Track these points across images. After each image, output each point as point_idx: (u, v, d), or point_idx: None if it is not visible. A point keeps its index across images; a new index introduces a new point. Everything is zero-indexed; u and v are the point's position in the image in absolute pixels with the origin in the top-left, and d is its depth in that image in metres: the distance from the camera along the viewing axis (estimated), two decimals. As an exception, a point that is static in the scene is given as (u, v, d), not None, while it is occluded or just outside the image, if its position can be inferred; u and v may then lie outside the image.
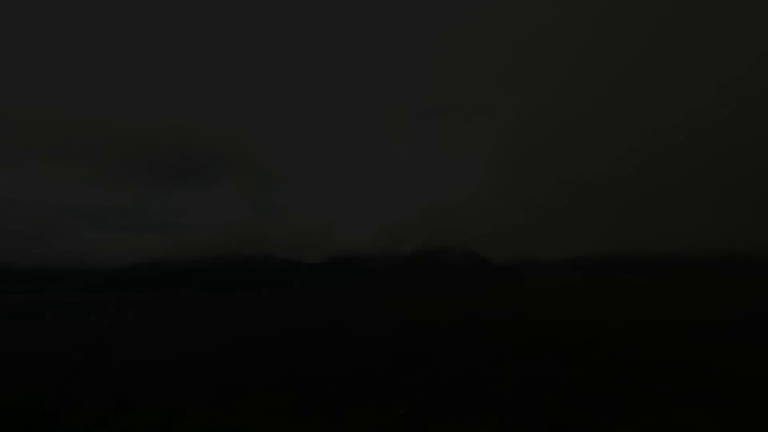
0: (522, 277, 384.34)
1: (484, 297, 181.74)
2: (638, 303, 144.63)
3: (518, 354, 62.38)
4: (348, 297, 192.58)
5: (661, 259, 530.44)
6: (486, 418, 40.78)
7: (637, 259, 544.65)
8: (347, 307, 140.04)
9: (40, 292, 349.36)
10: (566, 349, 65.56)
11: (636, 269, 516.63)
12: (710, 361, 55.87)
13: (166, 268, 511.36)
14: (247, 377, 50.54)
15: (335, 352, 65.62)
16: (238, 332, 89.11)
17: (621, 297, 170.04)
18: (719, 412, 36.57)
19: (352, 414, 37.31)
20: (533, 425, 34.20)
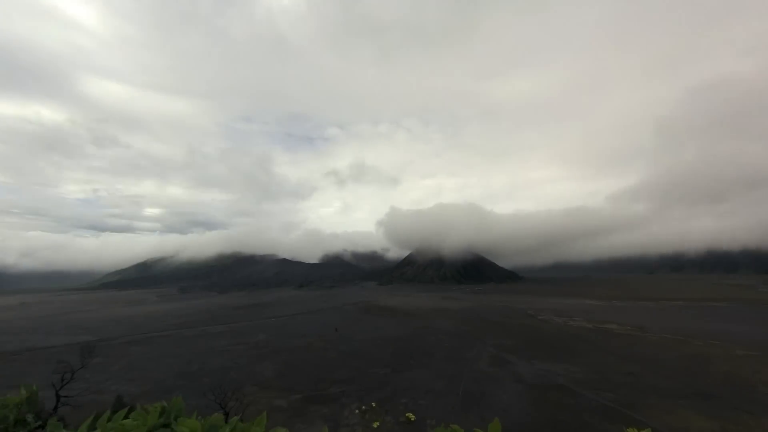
0: (523, 278, 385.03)
1: (485, 297, 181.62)
2: (637, 303, 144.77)
3: (518, 354, 62.50)
4: (348, 297, 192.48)
5: (658, 261, 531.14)
6: (486, 418, 40.69)
7: (635, 261, 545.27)
8: (347, 307, 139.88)
9: (40, 291, 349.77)
10: (566, 349, 65.65)
11: (635, 270, 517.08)
12: (710, 361, 55.95)
13: (166, 268, 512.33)
14: (247, 377, 50.47)
15: (335, 352, 65.55)
16: (238, 332, 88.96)
17: (620, 297, 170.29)
18: (720, 412, 36.60)
19: (352, 414, 37.24)
20: (532, 425, 34.18)
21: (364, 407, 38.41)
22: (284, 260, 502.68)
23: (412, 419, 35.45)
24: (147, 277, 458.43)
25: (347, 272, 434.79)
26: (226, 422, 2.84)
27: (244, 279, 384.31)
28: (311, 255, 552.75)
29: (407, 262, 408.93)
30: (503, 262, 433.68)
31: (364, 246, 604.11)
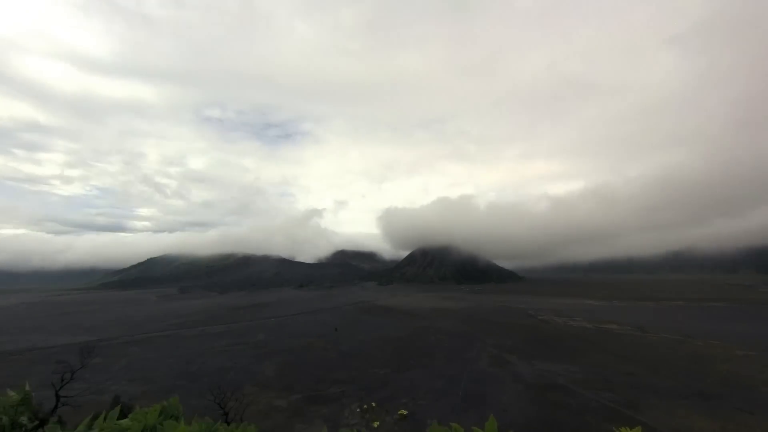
0: (523, 278, 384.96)
1: (485, 297, 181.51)
2: (637, 303, 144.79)
3: (518, 354, 62.46)
4: (348, 297, 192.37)
5: (657, 261, 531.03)
6: (486, 418, 40.18)
7: (636, 261, 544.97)
8: (347, 307, 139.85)
9: (40, 291, 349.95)
10: (566, 349, 65.62)
11: (635, 270, 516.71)
12: (710, 361, 55.92)
13: (166, 268, 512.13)
14: (246, 377, 50.43)
15: (335, 352, 65.51)
16: (238, 332, 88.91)
17: (620, 297, 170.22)
18: (720, 412, 36.58)
19: (352, 413, 37.22)
20: (532, 425, 34.15)
21: (365, 406, 38.58)
22: (284, 260, 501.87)
23: (405, 414, 36.36)
24: (147, 277, 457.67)
25: (347, 272, 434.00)
26: (225, 422, 2.83)
27: (244, 279, 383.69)
28: (311, 255, 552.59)
29: (407, 262, 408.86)
30: (503, 262, 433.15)
31: (363, 246, 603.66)
